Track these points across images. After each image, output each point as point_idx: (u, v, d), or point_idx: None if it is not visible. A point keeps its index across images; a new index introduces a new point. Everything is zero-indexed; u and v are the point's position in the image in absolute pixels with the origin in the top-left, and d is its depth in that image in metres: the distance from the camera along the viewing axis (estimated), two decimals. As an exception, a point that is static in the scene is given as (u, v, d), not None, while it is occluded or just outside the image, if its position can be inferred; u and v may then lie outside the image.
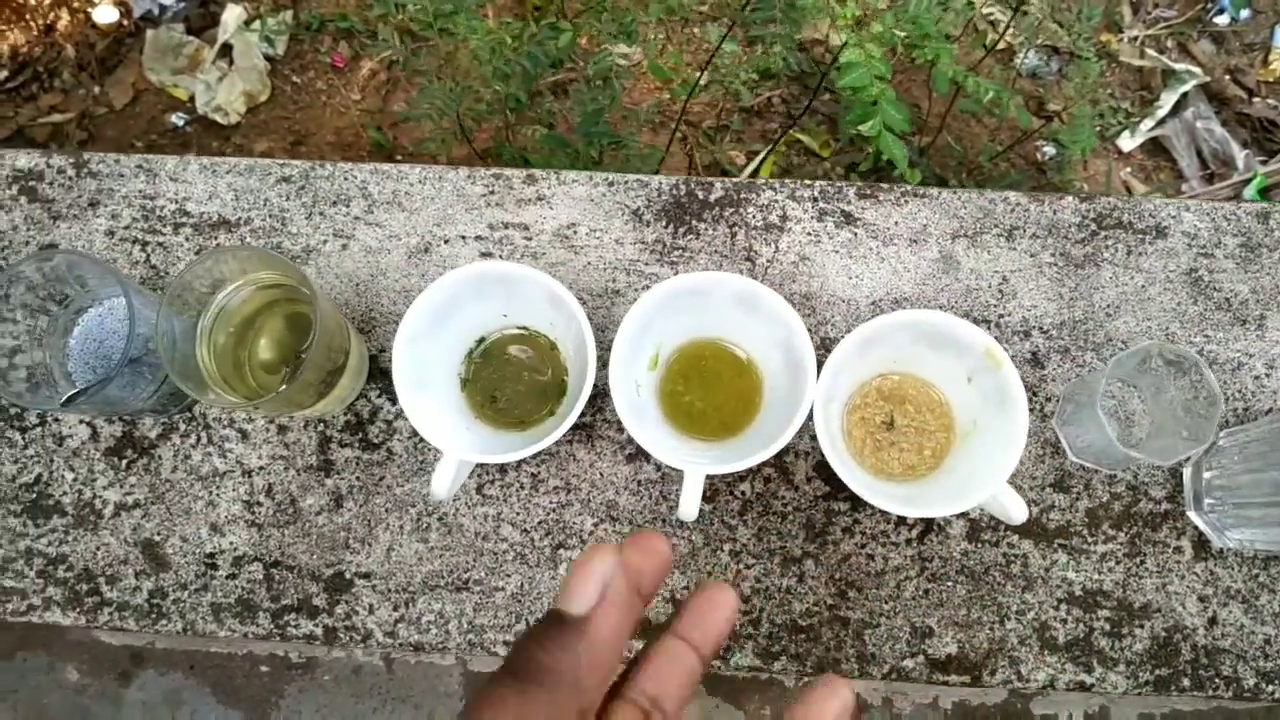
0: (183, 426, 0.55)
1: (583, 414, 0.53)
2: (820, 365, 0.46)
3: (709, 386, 0.52)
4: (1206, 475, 0.50)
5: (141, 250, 0.57)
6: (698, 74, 0.97)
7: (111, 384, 0.45)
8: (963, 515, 0.52)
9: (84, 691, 0.72)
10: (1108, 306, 0.54)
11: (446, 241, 0.56)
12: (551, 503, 0.53)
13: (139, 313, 0.45)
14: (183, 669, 0.76)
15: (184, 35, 1.40)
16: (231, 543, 0.53)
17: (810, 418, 0.45)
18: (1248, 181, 1.29)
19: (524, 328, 0.53)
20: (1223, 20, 1.41)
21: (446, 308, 0.49)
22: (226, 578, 0.53)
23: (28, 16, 1.42)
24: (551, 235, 0.56)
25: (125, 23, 1.43)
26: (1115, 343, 0.54)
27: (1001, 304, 0.55)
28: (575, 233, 0.56)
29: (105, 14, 1.42)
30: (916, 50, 0.79)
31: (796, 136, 1.33)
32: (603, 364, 0.47)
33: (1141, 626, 0.51)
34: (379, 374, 0.55)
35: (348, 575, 0.53)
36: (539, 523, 0.53)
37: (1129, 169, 1.37)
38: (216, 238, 0.57)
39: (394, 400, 0.54)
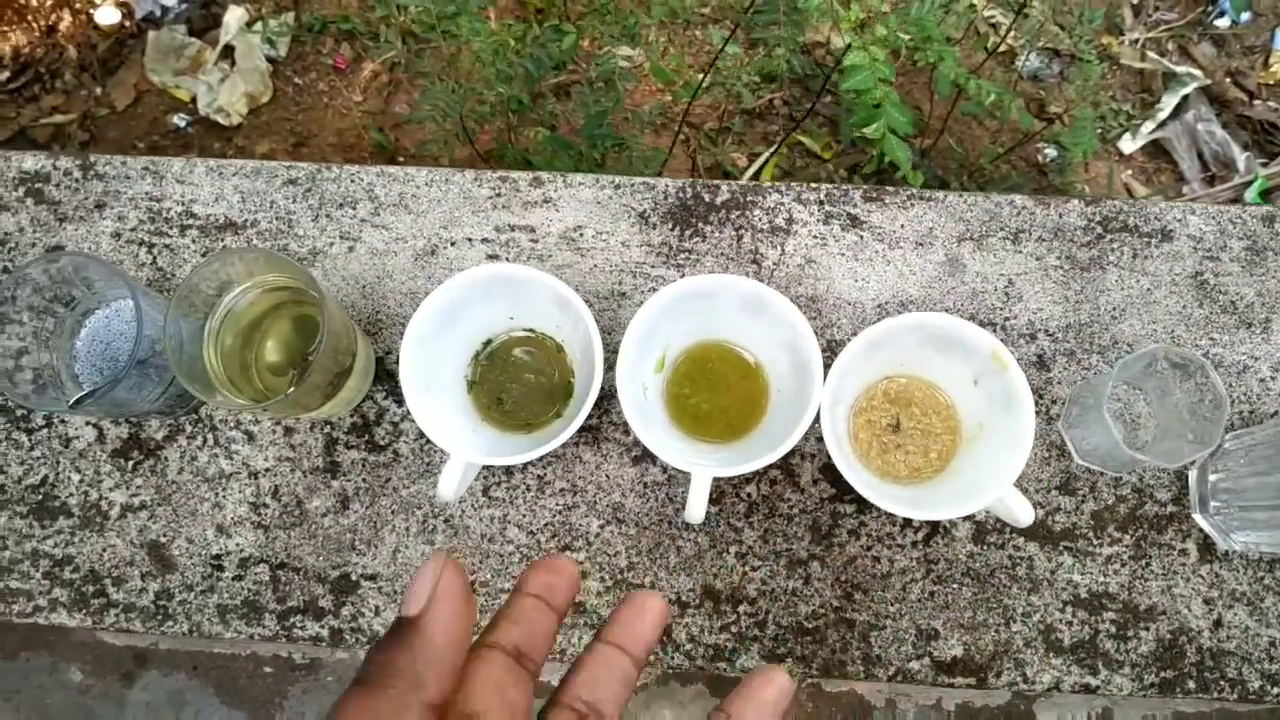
0: (189, 428, 0.55)
1: (589, 416, 0.53)
2: (826, 368, 0.46)
3: (715, 389, 0.52)
4: (1212, 478, 0.50)
5: (148, 252, 0.57)
6: (700, 76, 0.97)
7: (119, 386, 0.45)
8: (968, 518, 0.52)
9: (87, 692, 0.72)
10: (1113, 309, 0.54)
11: (453, 244, 0.56)
12: (558, 505, 0.53)
13: (146, 315, 0.45)
14: (186, 670, 0.75)
15: (186, 36, 1.40)
16: (238, 544, 0.53)
17: (817, 420, 0.45)
18: (1249, 184, 1.30)
19: (531, 330, 0.53)
20: (1223, 23, 1.41)
21: (454, 310, 0.49)
22: (233, 579, 0.53)
23: (30, 17, 1.42)
24: (558, 238, 0.56)
25: (127, 24, 1.43)
26: (1121, 346, 0.54)
27: (1007, 307, 0.55)
28: (581, 235, 0.56)
29: (107, 15, 1.42)
30: (919, 53, 0.79)
31: (798, 138, 1.33)
32: (609, 366, 0.47)
33: (1147, 629, 0.51)
34: (385, 376, 0.55)
35: (354, 577, 0.53)
36: (545, 525, 0.53)
37: (1130, 171, 1.37)
38: (223, 240, 0.57)
39: (400, 402, 0.54)
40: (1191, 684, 0.50)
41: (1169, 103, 1.35)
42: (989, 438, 0.48)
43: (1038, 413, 0.52)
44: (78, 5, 1.43)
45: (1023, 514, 0.44)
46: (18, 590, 0.53)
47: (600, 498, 0.53)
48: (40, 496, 0.54)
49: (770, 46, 0.88)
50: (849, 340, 0.47)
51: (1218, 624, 0.51)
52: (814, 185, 0.57)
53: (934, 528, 0.52)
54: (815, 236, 0.56)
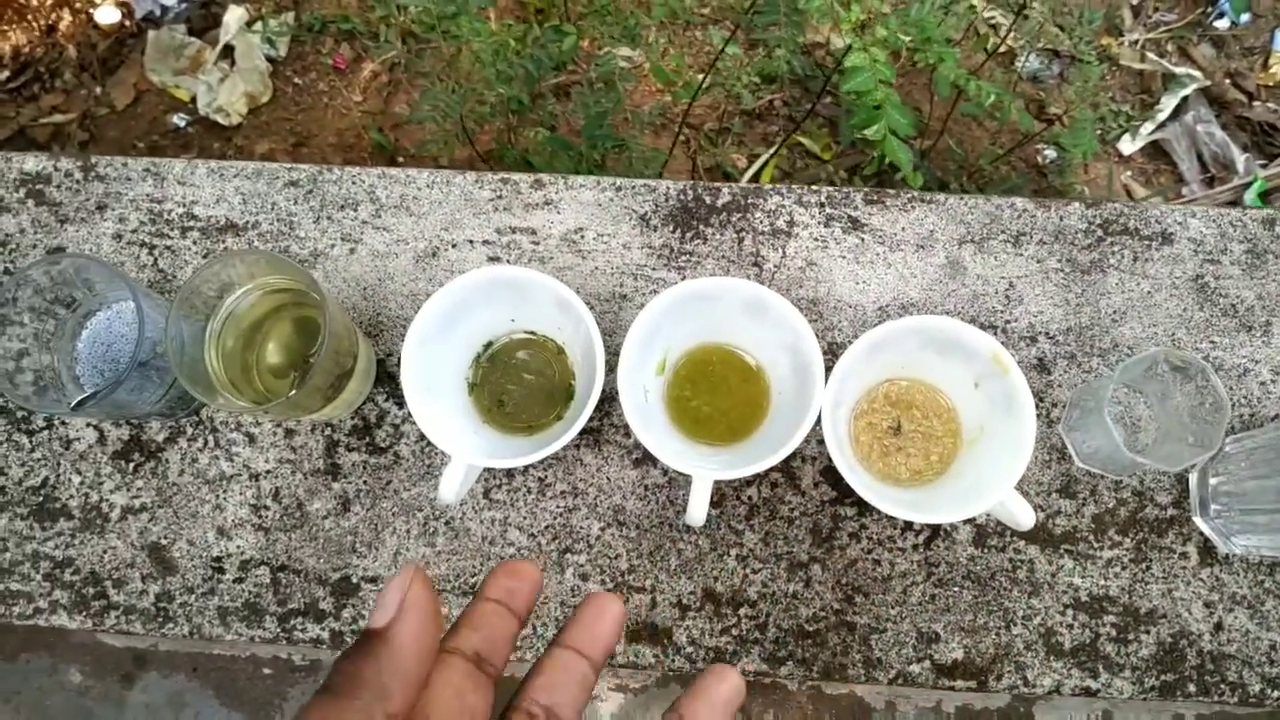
0: (190, 430, 0.55)
1: (590, 419, 0.53)
2: (828, 370, 0.46)
3: (716, 391, 0.52)
4: (1213, 481, 0.51)
5: (149, 254, 0.57)
6: (700, 77, 0.97)
7: (120, 388, 0.45)
8: (969, 520, 0.52)
9: (87, 693, 0.72)
10: (1114, 312, 0.54)
11: (454, 246, 0.56)
12: (559, 507, 0.53)
13: (147, 316, 0.45)
14: (186, 671, 0.75)
15: (185, 36, 1.40)
16: (239, 546, 0.53)
17: (818, 423, 0.45)
18: (1248, 185, 1.30)
19: (532, 332, 0.53)
20: (1223, 24, 1.41)
21: (455, 312, 0.49)
22: (233, 581, 0.53)
23: (29, 17, 1.42)
24: (559, 240, 0.56)
25: (127, 23, 1.43)
26: (1122, 349, 0.54)
27: (1008, 309, 0.55)
28: (583, 237, 0.56)
29: (107, 15, 1.42)
30: (919, 54, 0.79)
31: (798, 139, 1.33)
32: (610, 369, 0.47)
33: (1147, 632, 0.51)
34: (386, 378, 0.55)
35: (354, 579, 0.53)
36: (546, 527, 0.53)
37: (1129, 172, 1.37)
38: (224, 241, 0.57)
39: (401, 404, 0.54)
40: (1192, 687, 0.50)
41: (1168, 104, 1.35)
42: (990, 441, 0.48)
43: (1038, 416, 0.52)
44: (78, 5, 1.43)
45: (1023, 517, 0.44)
46: (18, 592, 0.53)
47: (601, 500, 0.53)
48: (41, 498, 0.54)
49: (770, 47, 0.88)
50: (850, 343, 0.47)
51: (1218, 627, 0.51)
52: (815, 188, 0.57)
53: (935, 531, 0.52)
54: (816, 239, 0.56)
